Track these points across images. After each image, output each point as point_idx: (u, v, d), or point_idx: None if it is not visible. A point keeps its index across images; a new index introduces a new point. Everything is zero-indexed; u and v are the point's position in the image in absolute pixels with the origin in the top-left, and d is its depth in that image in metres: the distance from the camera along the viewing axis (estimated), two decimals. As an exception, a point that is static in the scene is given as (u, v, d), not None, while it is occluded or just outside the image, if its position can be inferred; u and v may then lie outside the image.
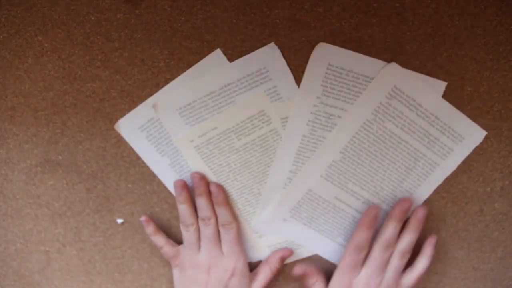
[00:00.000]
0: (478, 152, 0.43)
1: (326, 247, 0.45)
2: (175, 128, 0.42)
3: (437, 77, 0.41)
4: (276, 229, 0.44)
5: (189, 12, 0.41)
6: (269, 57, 0.40)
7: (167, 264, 0.46)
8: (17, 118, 0.44)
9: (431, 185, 0.43)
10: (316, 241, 0.45)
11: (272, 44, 0.40)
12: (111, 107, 0.43)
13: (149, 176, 0.44)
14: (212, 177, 0.43)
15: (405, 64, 0.41)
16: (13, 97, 0.43)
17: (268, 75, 0.40)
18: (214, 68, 0.40)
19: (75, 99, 0.43)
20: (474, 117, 0.42)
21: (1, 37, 0.42)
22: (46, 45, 0.42)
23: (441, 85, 0.40)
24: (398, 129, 0.41)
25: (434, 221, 0.45)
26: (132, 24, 0.41)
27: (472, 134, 0.41)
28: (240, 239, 0.43)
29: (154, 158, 0.43)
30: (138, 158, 0.44)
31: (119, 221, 0.46)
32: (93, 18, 0.41)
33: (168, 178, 0.44)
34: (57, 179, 0.45)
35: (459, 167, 0.43)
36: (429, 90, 0.40)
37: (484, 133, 0.41)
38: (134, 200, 0.45)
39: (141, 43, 0.42)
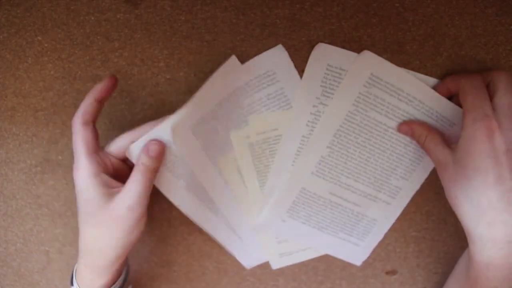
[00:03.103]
0: (478, 152, 0.43)
1: (329, 243, 0.45)
2: (188, 148, 0.39)
3: (437, 77, 0.41)
4: (276, 230, 0.44)
5: (189, 12, 0.41)
6: (276, 59, 0.40)
7: (166, 264, 0.46)
8: (17, 118, 0.44)
9: (426, 168, 0.42)
10: (319, 239, 0.45)
11: (280, 46, 0.40)
12: (111, 107, 0.43)
13: (149, 176, 0.44)
14: (253, 176, 0.43)
15: (405, 64, 0.41)
16: (13, 97, 0.43)
17: (275, 77, 0.40)
18: (229, 75, 0.39)
19: (75, 99, 0.43)
20: (474, 117, 0.42)
21: (1, 37, 0.42)
22: (46, 45, 0.42)
23: (428, 80, 0.40)
24: (382, 117, 0.40)
25: (434, 221, 0.45)
26: (132, 24, 0.41)
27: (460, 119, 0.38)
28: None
29: (169, 181, 0.40)
30: (138, 158, 0.44)
31: (119, 221, 0.46)
32: (93, 18, 0.41)
33: (184, 201, 0.42)
34: (57, 179, 0.45)
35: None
36: (408, 76, 0.39)
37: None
38: (134, 200, 0.45)
39: (141, 43, 0.42)
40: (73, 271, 0.39)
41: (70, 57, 0.42)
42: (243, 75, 0.40)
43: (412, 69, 0.41)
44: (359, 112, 0.40)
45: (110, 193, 0.36)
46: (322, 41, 0.41)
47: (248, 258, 0.46)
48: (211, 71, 0.42)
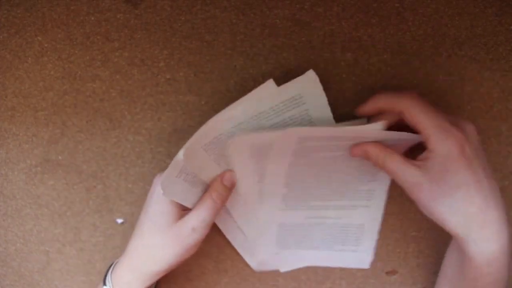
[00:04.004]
0: (478, 152, 0.43)
1: (329, 258, 0.46)
2: (201, 165, 0.39)
3: (437, 77, 0.41)
4: (277, 263, 0.46)
5: (189, 12, 0.41)
6: (306, 84, 0.38)
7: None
8: (17, 118, 0.44)
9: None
10: (317, 257, 0.45)
11: (311, 72, 0.38)
12: (111, 107, 0.43)
13: (149, 176, 0.44)
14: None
15: (405, 64, 0.41)
16: (13, 97, 0.43)
17: (302, 100, 0.39)
18: (265, 97, 0.38)
19: (75, 99, 0.43)
20: (474, 117, 0.42)
21: (1, 37, 0.42)
22: (46, 45, 0.42)
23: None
24: (326, 153, 0.39)
25: (434, 221, 0.45)
26: (132, 24, 0.41)
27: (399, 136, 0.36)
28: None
29: (192, 196, 0.40)
30: (138, 158, 0.44)
31: (119, 221, 0.46)
32: (93, 18, 0.41)
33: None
34: (57, 179, 0.45)
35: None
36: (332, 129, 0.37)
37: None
38: (134, 200, 0.45)
39: (141, 43, 0.42)
40: (108, 269, 0.39)
41: (70, 57, 0.42)
42: (270, 100, 0.38)
43: (413, 69, 0.41)
44: (301, 157, 0.39)
45: (180, 214, 0.38)
46: (322, 41, 0.41)
47: (259, 262, 0.46)
48: (211, 71, 0.42)
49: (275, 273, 0.47)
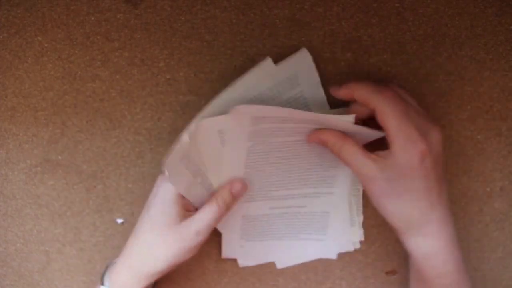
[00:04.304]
0: (478, 152, 0.43)
1: (295, 249, 0.45)
2: (206, 150, 0.38)
3: (437, 77, 0.41)
4: (244, 254, 0.45)
5: (189, 12, 0.41)
6: (300, 63, 0.38)
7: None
8: (17, 118, 0.44)
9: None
10: (283, 248, 0.45)
11: (304, 50, 0.38)
12: (111, 107, 0.43)
13: (149, 176, 0.44)
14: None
15: (405, 64, 0.41)
16: (13, 97, 0.43)
17: (296, 80, 0.39)
18: (263, 76, 0.38)
19: (75, 99, 0.43)
20: (474, 117, 0.42)
21: (1, 37, 0.42)
22: (46, 45, 0.42)
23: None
24: (284, 137, 0.38)
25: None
26: (132, 24, 0.41)
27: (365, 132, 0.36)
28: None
29: (191, 184, 0.39)
30: (138, 158, 0.44)
31: (119, 221, 0.46)
32: (93, 18, 0.41)
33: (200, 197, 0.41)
34: (57, 179, 0.45)
35: (459, 167, 0.43)
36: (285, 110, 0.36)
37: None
38: (134, 200, 0.45)
39: (141, 43, 0.42)
40: (106, 268, 0.39)
41: (70, 57, 0.42)
42: (268, 80, 0.39)
43: (413, 69, 0.41)
44: (259, 143, 0.38)
45: (184, 215, 0.38)
46: (322, 41, 0.41)
47: (248, 257, 0.46)
48: (211, 71, 0.42)
49: (275, 273, 0.47)
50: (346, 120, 0.34)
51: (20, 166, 0.45)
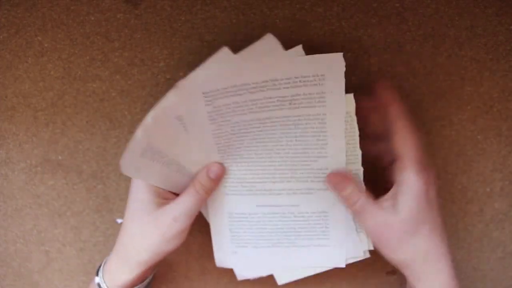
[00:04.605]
0: (478, 152, 0.43)
1: (295, 257, 0.41)
2: (171, 137, 0.36)
3: (437, 77, 0.41)
4: (239, 263, 0.42)
5: (189, 12, 0.41)
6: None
7: (166, 264, 0.46)
8: (17, 118, 0.44)
9: (336, 134, 0.36)
10: (281, 257, 0.41)
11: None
12: (111, 107, 0.43)
13: (149, 176, 0.44)
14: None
15: (405, 64, 0.41)
16: (13, 97, 0.43)
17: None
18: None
19: (75, 99, 0.43)
20: (474, 117, 0.42)
21: (1, 37, 0.42)
22: (46, 45, 0.42)
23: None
24: (249, 114, 0.34)
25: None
26: (132, 24, 0.41)
27: (330, 63, 0.33)
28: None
29: (164, 174, 0.38)
30: (138, 158, 0.44)
31: (119, 221, 0.46)
32: (93, 18, 0.41)
33: (179, 183, 0.39)
34: (57, 179, 0.45)
35: (459, 167, 0.43)
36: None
37: (339, 54, 0.32)
38: (134, 200, 0.45)
39: (141, 43, 0.42)
40: (102, 262, 0.39)
41: (70, 57, 0.42)
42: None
43: (413, 69, 0.41)
44: (222, 124, 0.35)
45: (160, 203, 0.37)
46: (322, 41, 0.41)
47: (244, 267, 0.43)
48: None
49: (275, 273, 0.47)
50: (296, 54, 0.31)
51: (20, 166, 0.45)
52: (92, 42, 0.42)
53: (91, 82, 0.43)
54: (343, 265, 0.41)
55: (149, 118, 0.33)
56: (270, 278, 0.47)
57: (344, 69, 0.33)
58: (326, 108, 0.34)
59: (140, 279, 0.39)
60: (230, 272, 0.47)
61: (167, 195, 0.38)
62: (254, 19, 0.41)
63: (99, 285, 0.37)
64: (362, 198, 0.35)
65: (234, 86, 0.32)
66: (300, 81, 0.33)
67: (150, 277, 0.41)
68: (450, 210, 0.44)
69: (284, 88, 0.33)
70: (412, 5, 0.40)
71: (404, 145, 0.34)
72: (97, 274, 0.38)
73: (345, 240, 0.40)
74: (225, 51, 0.31)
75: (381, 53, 0.40)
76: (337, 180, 0.36)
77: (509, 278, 0.46)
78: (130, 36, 0.42)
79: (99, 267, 0.39)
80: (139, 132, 0.33)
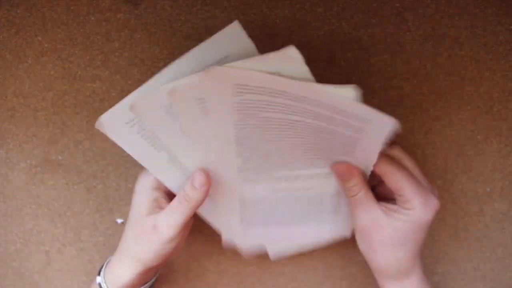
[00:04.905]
0: (478, 152, 0.43)
1: (304, 233, 0.42)
2: (163, 128, 0.35)
3: (437, 77, 0.41)
4: (246, 239, 0.42)
5: (189, 12, 0.41)
6: (287, 61, 0.31)
7: (165, 265, 0.46)
8: (17, 118, 0.44)
9: (366, 154, 0.35)
10: (291, 234, 0.42)
11: (292, 48, 0.30)
12: (111, 107, 0.43)
13: (149, 176, 0.44)
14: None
15: (405, 64, 0.41)
16: (13, 97, 0.43)
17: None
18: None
19: (75, 99, 0.43)
20: (474, 117, 0.42)
21: (1, 37, 0.42)
22: (46, 45, 0.42)
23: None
24: (280, 114, 0.33)
25: (434, 221, 0.45)
26: (132, 24, 0.41)
27: (376, 118, 0.31)
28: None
29: (149, 155, 0.37)
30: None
31: (119, 221, 0.46)
32: (93, 18, 0.41)
33: (168, 175, 0.38)
34: (57, 179, 0.45)
35: (459, 167, 0.43)
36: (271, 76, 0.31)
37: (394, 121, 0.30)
38: (134, 200, 0.45)
39: (141, 43, 0.42)
40: (104, 263, 0.39)
41: (70, 57, 0.42)
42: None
43: (413, 69, 0.41)
44: (248, 117, 0.33)
45: (152, 211, 0.37)
46: (322, 41, 0.41)
47: (251, 241, 0.43)
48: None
49: (276, 273, 0.47)
50: (348, 96, 0.29)
51: (20, 166, 0.45)
52: (92, 42, 0.42)
53: (91, 82, 0.43)
54: (349, 234, 0.42)
55: (166, 89, 0.32)
56: (272, 276, 0.47)
57: (389, 129, 0.30)
58: (364, 137, 0.33)
59: (142, 281, 0.39)
60: (230, 272, 0.47)
61: (163, 204, 0.38)
62: (254, 19, 0.41)
63: (100, 285, 0.38)
64: (363, 191, 0.36)
65: (270, 89, 0.31)
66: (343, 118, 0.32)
67: (153, 279, 0.41)
68: (450, 210, 0.44)
69: (324, 110, 0.32)
70: (412, 5, 0.40)
71: (400, 180, 0.34)
72: (99, 274, 0.39)
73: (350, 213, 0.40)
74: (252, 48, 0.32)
75: (381, 53, 0.40)
76: (342, 170, 0.36)
77: (509, 278, 0.46)
78: (130, 36, 0.42)
79: (101, 267, 0.39)
80: (129, 99, 0.33)
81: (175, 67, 0.34)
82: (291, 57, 0.30)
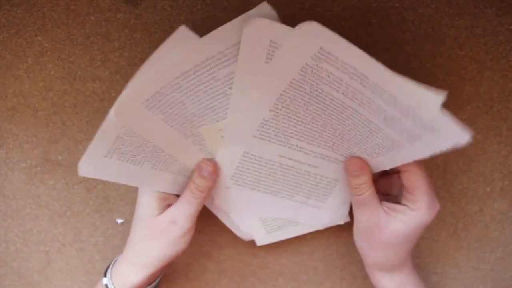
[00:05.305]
0: (478, 152, 0.43)
1: (285, 207, 0.42)
2: (145, 124, 0.35)
3: (437, 77, 0.41)
4: (221, 198, 0.41)
5: (189, 12, 0.41)
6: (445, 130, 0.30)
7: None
8: (17, 118, 0.44)
9: (395, 161, 0.35)
10: (272, 204, 0.41)
11: (265, 4, 0.32)
12: (111, 107, 0.43)
13: (149, 176, 0.44)
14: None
15: (405, 64, 0.41)
16: (13, 97, 0.43)
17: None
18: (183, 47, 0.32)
19: (75, 99, 0.43)
20: (474, 117, 0.42)
21: (1, 37, 0.42)
22: (46, 45, 0.42)
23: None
24: (336, 93, 0.32)
25: (434, 221, 0.45)
26: (132, 24, 0.41)
27: (448, 131, 0.30)
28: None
29: (134, 173, 0.37)
30: (138, 158, 0.44)
31: (119, 221, 0.46)
32: (93, 18, 0.41)
33: (155, 180, 0.38)
34: (57, 179, 0.45)
35: (459, 167, 0.43)
36: (361, 53, 0.30)
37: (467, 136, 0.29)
38: (134, 200, 0.45)
39: (141, 43, 0.42)
40: (110, 263, 0.39)
41: (70, 57, 0.42)
42: (213, 44, 0.33)
43: (412, 68, 0.41)
44: (307, 82, 0.33)
45: (162, 207, 0.38)
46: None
47: (241, 231, 0.44)
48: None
49: (276, 273, 0.47)
50: (433, 100, 0.28)
51: (20, 166, 0.45)
52: (92, 42, 0.42)
53: (91, 82, 0.43)
54: (322, 228, 0.43)
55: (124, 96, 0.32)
56: (272, 276, 0.47)
57: (457, 144, 0.29)
58: (414, 144, 0.33)
59: (148, 282, 0.39)
60: (230, 272, 0.47)
61: (173, 200, 0.39)
62: (254, 19, 0.41)
63: (106, 286, 0.38)
64: (370, 190, 0.36)
65: (353, 69, 0.30)
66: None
67: (158, 280, 0.41)
68: (450, 210, 0.44)
69: (393, 109, 0.31)
70: (412, 5, 0.40)
71: (417, 179, 0.34)
72: (105, 275, 0.39)
73: (336, 208, 0.41)
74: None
75: (381, 53, 0.40)
76: (355, 167, 0.36)
77: (509, 278, 0.46)
78: (130, 36, 0.42)
79: (107, 267, 0.39)
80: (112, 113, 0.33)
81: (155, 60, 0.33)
82: (264, 14, 0.31)
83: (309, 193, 0.41)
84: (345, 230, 0.44)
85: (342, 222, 0.43)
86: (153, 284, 0.40)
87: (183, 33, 0.31)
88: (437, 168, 0.44)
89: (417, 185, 0.34)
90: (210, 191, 0.39)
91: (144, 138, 0.35)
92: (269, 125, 0.37)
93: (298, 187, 0.41)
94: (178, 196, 0.39)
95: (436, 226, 0.45)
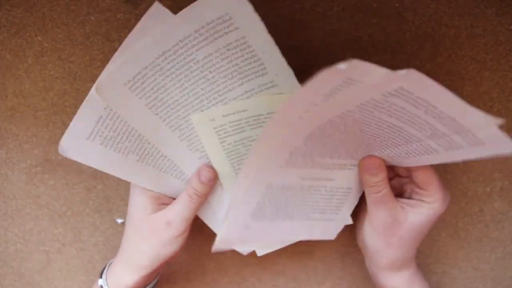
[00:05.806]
0: (478, 152, 0.43)
1: (301, 229, 0.40)
2: (128, 107, 0.34)
3: (437, 77, 0.41)
4: (241, 239, 0.39)
5: (189, 12, 0.41)
6: (231, 1, 0.30)
7: (166, 264, 0.46)
8: (17, 118, 0.44)
9: (420, 161, 0.34)
10: (288, 230, 0.39)
11: None
12: (111, 107, 0.43)
13: (149, 176, 0.44)
14: (222, 157, 0.38)
15: (405, 64, 0.41)
16: (13, 97, 0.43)
17: (232, 22, 0.32)
18: (160, 25, 0.31)
19: (75, 99, 0.43)
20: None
21: (1, 37, 0.42)
22: (46, 45, 0.42)
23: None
24: (392, 119, 0.30)
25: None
26: (132, 24, 0.41)
27: (498, 143, 0.28)
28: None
29: (118, 163, 0.36)
30: (138, 158, 0.44)
31: (119, 221, 0.46)
32: (93, 18, 0.41)
33: (140, 175, 0.38)
34: (57, 179, 0.45)
35: (459, 167, 0.43)
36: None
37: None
38: (134, 200, 0.45)
39: (141, 43, 0.42)
40: (106, 265, 0.39)
41: (70, 57, 0.42)
42: (188, 22, 0.31)
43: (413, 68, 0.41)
44: (360, 111, 0.29)
45: (156, 208, 0.38)
46: (322, 41, 0.41)
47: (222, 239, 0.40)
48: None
49: (276, 273, 0.47)
50: (492, 124, 0.26)
51: (20, 166, 0.45)
52: (92, 42, 0.42)
53: (91, 82, 0.43)
54: (333, 238, 0.41)
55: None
56: (272, 276, 0.47)
57: (499, 154, 0.28)
58: (449, 153, 0.32)
59: (144, 283, 0.39)
60: (230, 272, 0.47)
61: (165, 200, 0.39)
62: (254, 19, 0.41)
63: (101, 287, 0.38)
64: (386, 188, 0.36)
65: (421, 99, 0.27)
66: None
67: (155, 281, 0.41)
68: (450, 210, 0.44)
69: (443, 127, 0.28)
70: (412, 5, 0.40)
71: (431, 175, 0.35)
72: (100, 276, 0.38)
73: (347, 214, 0.40)
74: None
75: (381, 53, 0.40)
76: (374, 165, 0.36)
77: (509, 278, 0.46)
78: (130, 36, 0.42)
79: (103, 269, 0.39)
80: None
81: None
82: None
83: (324, 208, 0.39)
84: (345, 230, 0.44)
85: (343, 225, 0.41)
86: (150, 286, 0.40)
87: (157, 10, 0.31)
88: (437, 168, 0.44)
89: (431, 180, 0.35)
90: (207, 196, 0.39)
91: (128, 125, 0.35)
92: (299, 152, 0.34)
93: (315, 205, 0.39)
94: (169, 197, 0.39)
95: (436, 226, 0.45)
